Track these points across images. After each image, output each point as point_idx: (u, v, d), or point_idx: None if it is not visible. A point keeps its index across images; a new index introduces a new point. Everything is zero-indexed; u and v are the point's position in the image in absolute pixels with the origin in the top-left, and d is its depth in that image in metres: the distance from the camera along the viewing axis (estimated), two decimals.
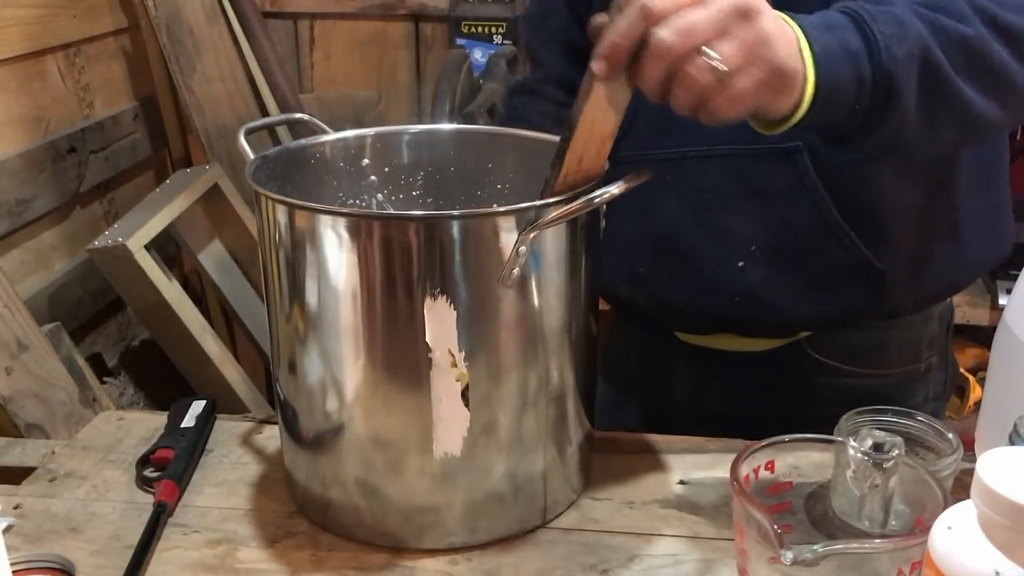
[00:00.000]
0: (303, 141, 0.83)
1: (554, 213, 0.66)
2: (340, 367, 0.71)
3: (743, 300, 0.88)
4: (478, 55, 1.96)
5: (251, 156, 0.77)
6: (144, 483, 0.82)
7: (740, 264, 0.87)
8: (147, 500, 0.80)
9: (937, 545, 0.48)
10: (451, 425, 0.70)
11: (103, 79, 1.78)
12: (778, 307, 0.88)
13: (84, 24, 1.71)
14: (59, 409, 1.32)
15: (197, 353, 1.65)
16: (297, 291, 0.71)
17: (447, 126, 0.91)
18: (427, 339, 0.67)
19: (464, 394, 0.69)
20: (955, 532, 0.48)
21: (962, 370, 1.94)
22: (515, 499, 0.75)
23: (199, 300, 1.90)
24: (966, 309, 1.74)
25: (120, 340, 1.83)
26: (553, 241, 0.70)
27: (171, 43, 1.78)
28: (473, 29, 1.95)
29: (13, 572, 0.68)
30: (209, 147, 1.85)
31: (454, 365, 0.68)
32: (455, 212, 0.68)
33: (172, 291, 1.59)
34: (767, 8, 0.63)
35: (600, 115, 0.67)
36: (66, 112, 1.66)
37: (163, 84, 1.88)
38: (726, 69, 0.61)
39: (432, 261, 0.66)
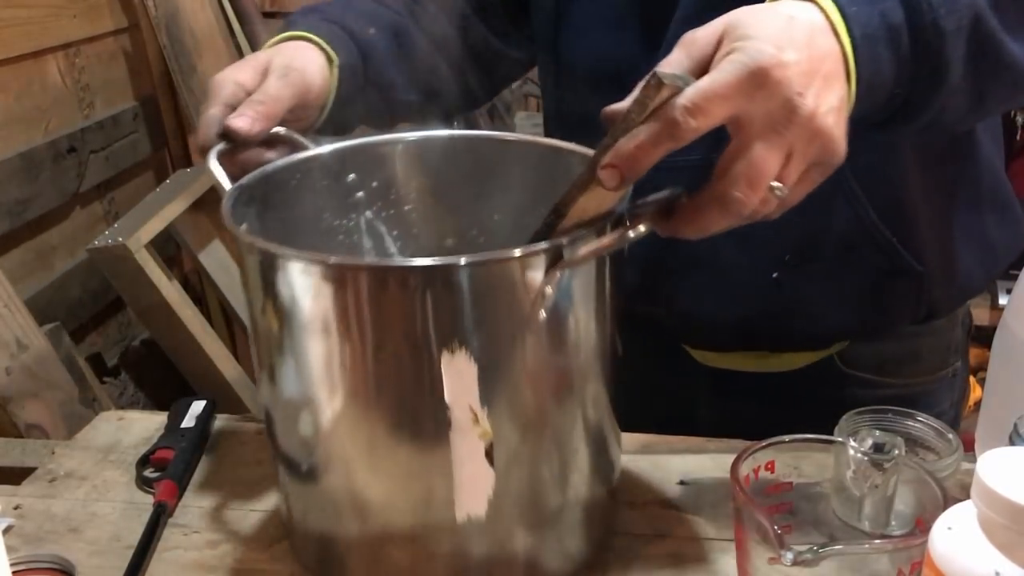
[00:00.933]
0: (281, 162, 0.75)
1: (584, 250, 0.59)
2: (342, 434, 0.64)
3: (777, 312, 0.84)
4: None
5: (224, 183, 0.69)
6: (144, 483, 0.82)
7: (774, 275, 0.83)
8: (147, 500, 0.80)
9: (937, 545, 0.48)
10: (475, 486, 0.63)
11: (103, 79, 1.78)
12: (816, 317, 0.84)
13: (84, 24, 1.71)
14: (59, 409, 1.32)
15: (197, 353, 1.65)
16: (289, 348, 0.63)
17: (441, 132, 0.80)
18: (445, 398, 0.60)
19: (488, 453, 0.63)
20: (955, 532, 0.48)
21: None
22: (543, 551, 0.68)
23: (199, 300, 1.90)
24: None
25: (120, 340, 1.83)
26: (581, 274, 0.62)
27: (171, 43, 1.78)
28: None
29: (13, 572, 0.68)
30: None
31: (476, 422, 0.61)
32: (469, 259, 0.57)
33: (172, 291, 1.60)
34: (815, 87, 0.55)
35: (594, 203, 0.60)
36: (66, 112, 1.66)
37: (163, 84, 1.88)
38: (786, 189, 0.56)
39: (445, 311, 0.58)
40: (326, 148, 0.78)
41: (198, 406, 0.91)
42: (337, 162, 0.78)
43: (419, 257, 0.78)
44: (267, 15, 1.99)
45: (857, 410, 0.76)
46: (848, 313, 0.85)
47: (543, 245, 0.58)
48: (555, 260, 0.58)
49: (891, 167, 0.81)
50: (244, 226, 0.66)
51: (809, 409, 0.84)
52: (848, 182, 0.80)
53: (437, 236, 0.82)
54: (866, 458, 0.64)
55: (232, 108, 0.75)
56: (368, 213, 0.80)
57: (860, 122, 0.63)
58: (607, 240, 0.59)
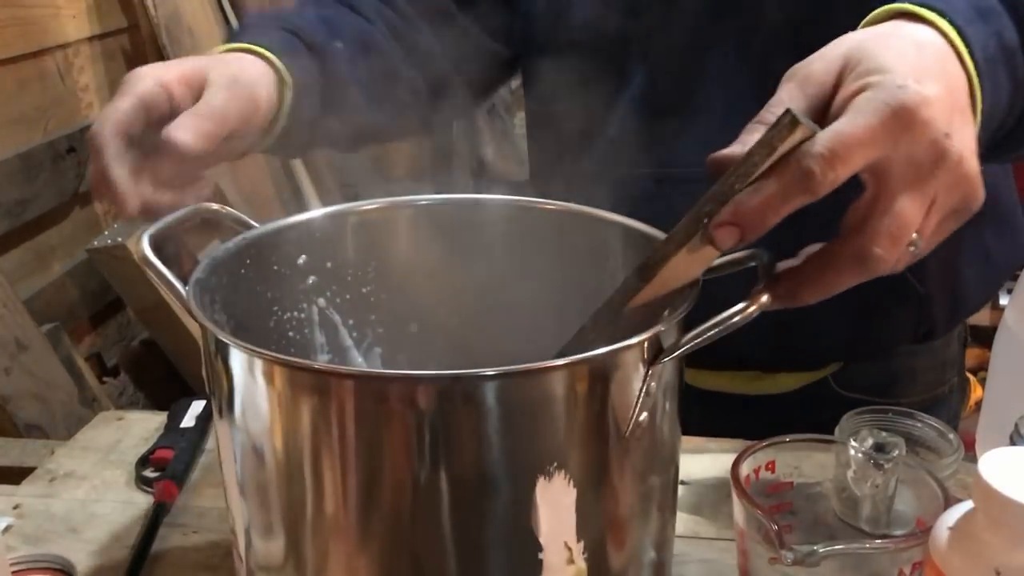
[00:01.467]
0: (230, 245, 0.64)
1: (692, 332, 0.50)
2: None
3: (772, 331, 0.78)
4: None
5: (169, 276, 0.61)
6: (144, 483, 0.82)
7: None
8: (147, 500, 0.80)
9: (938, 545, 0.48)
10: None
11: (102, 79, 1.78)
12: (811, 336, 0.81)
13: (84, 24, 1.70)
14: (58, 409, 1.32)
15: (197, 353, 1.65)
16: (307, 480, 0.51)
17: (403, 199, 0.70)
18: (540, 536, 0.49)
19: None
20: (956, 532, 0.48)
21: None
22: None
23: None
24: None
25: (120, 340, 1.83)
26: (671, 365, 0.53)
27: (171, 43, 1.78)
28: None
29: (12, 572, 0.67)
30: None
31: (571, 562, 0.51)
32: (565, 361, 0.47)
33: None
34: (956, 124, 0.49)
35: (684, 267, 0.53)
36: (65, 112, 1.66)
37: None
38: (919, 244, 0.50)
39: (535, 429, 0.48)
40: (273, 224, 0.67)
41: (198, 406, 0.91)
42: (288, 241, 0.68)
43: (377, 349, 0.70)
44: None
45: (857, 410, 0.76)
46: (845, 333, 0.83)
47: (648, 334, 0.49)
48: (657, 351, 0.50)
49: None
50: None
51: (801, 433, 0.84)
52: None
53: (399, 322, 0.73)
54: (867, 458, 0.64)
55: (147, 110, 0.65)
56: (321, 301, 0.70)
57: None
58: (722, 322, 0.50)
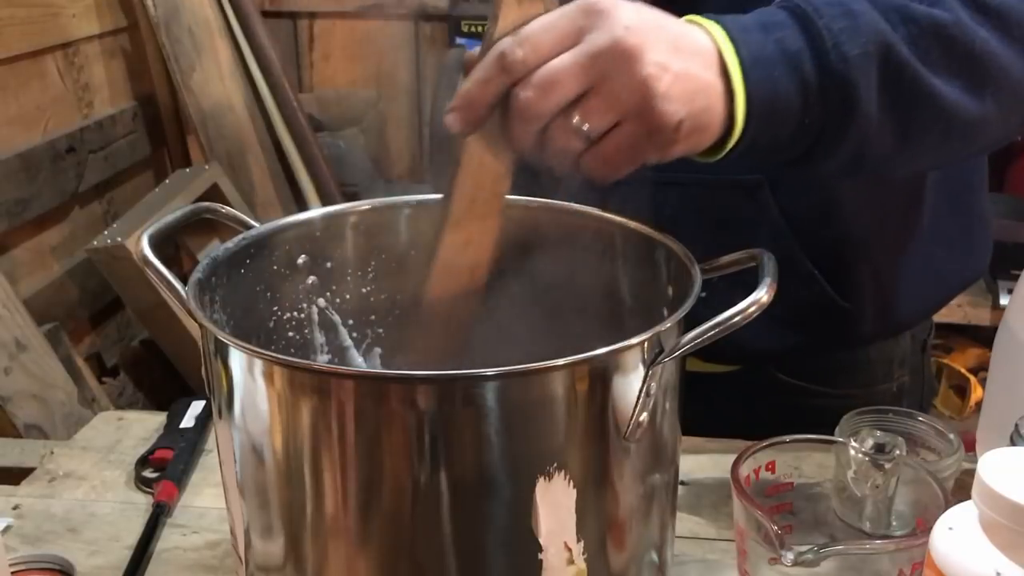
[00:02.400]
0: (229, 245, 0.64)
1: (692, 333, 0.51)
2: None
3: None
4: None
5: (169, 277, 0.58)
6: (143, 483, 0.82)
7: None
8: (146, 501, 0.80)
9: (938, 546, 0.48)
10: None
11: (102, 79, 1.78)
12: (739, 339, 0.81)
13: (83, 23, 1.71)
14: (58, 409, 1.33)
15: (197, 353, 1.65)
16: (307, 481, 0.51)
17: (403, 199, 0.70)
18: (540, 536, 0.50)
19: None
20: (956, 533, 0.48)
21: (963, 370, 1.94)
22: None
23: None
24: (967, 309, 1.74)
25: (119, 340, 1.83)
26: (671, 365, 0.53)
27: (170, 43, 1.78)
28: (473, 28, 1.95)
29: (12, 573, 0.67)
30: (208, 147, 1.85)
31: (571, 562, 0.51)
32: (568, 360, 0.47)
33: None
34: (652, 37, 0.52)
35: (487, 157, 0.58)
36: (65, 112, 1.66)
37: (162, 84, 1.88)
38: (590, 131, 0.53)
39: (534, 430, 0.48)
40: (273, 223, 0.67)
41: (197, 406, 0.91)
42: (287, 241, 0.67)
43: (377, 349, 0.70)
44: (266, 14, 1.99)
45: (858, 410, 0.76)
46: (772, 339, 0.83)
47: (648, 334, 0.50)
48: (657, 351, 0.51)
49: (823, 200, 0.79)
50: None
51: (743, 412, 0.85)
52: (772, 210, 0.78)
53: (398, 322, 0.73)
54: (867, 458, 0.64)
55: None
56: (321, 301, 0.70)
57: (779, 154, 0.61)
58: (727, 320, 0.52)
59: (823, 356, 0.88)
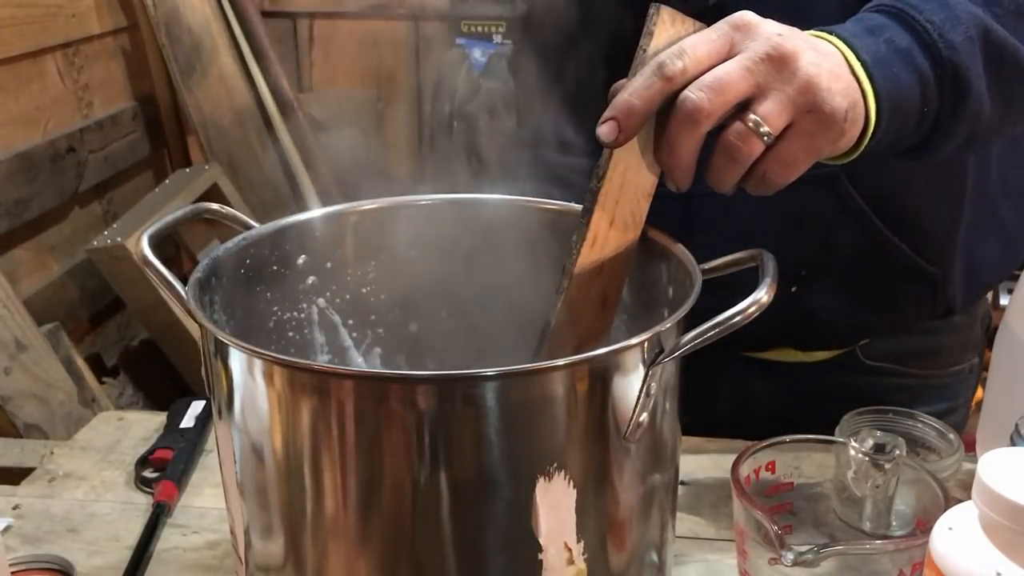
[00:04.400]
0: (229, 245, 0.64)
1: (692, 333, 0.51)
2: None
3: (799, 322, 0.86)
4: (478, 54, 1.96)
5: (165, 273, 0.58)
6: (143, 483, 0.82)
7: (792, 289, 0.84)
8: (146, 501, 0.80)
9: (938, 546, 0.48)
10: None
11: (102, 79, 1.78)
12: (836, 323, 0.87)
13: (83, 24, 1.71)
14: (58, 409, 1.33)
15: (197, 353, 1.65)
16: (307, 481, 0.51)
17: (403, 199, 0.70)
18: (540, 536, 0.50)
19: None
20: (956, 533, 0.48)
21: None
22: None
23: None
24: None
25: (119, 340, 1.83)
26: (671, 365, 0.53)
27: (170, 43, 1.78)
28: (473, 28, 1.96)
29: (12, 573, 0.67)
30: (208, 147, 1.85)
31: (571, 562, 0.51)
32: (568, 360, 0.47)
33: None
34: (801, 43, 0.56)
35: (632, 174, 0.57)
36: (65, 112, 1.66)
37: (162, 84, 1.88)
38: (770, 131, 0.54)
39: (534, 430, 0.48)
40: (272, 225, 0.67)
41: (197, 406, 0.91)
42: (287, 241, 0.67)
43: (377, 349, 0.70)
44: (266, 14, 1.99)
45: (858, 410, 0.76)
46: (866, 316, 0.87)
47: (647, 335, 0.49)
48: (657, 352, 0.51)
49: (895, 176, 0.82)
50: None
51: (830, 396, 0.86)
52: (852, 199, 0.81)
53: (399, 322, 0.73)
54: (867, 458, 0.64)
55: None
56: (320, 301, 0.70)
57: (900, 145, 0.64)
58: (727, 319, 0.51)
59: (910, 337, 0.91)
